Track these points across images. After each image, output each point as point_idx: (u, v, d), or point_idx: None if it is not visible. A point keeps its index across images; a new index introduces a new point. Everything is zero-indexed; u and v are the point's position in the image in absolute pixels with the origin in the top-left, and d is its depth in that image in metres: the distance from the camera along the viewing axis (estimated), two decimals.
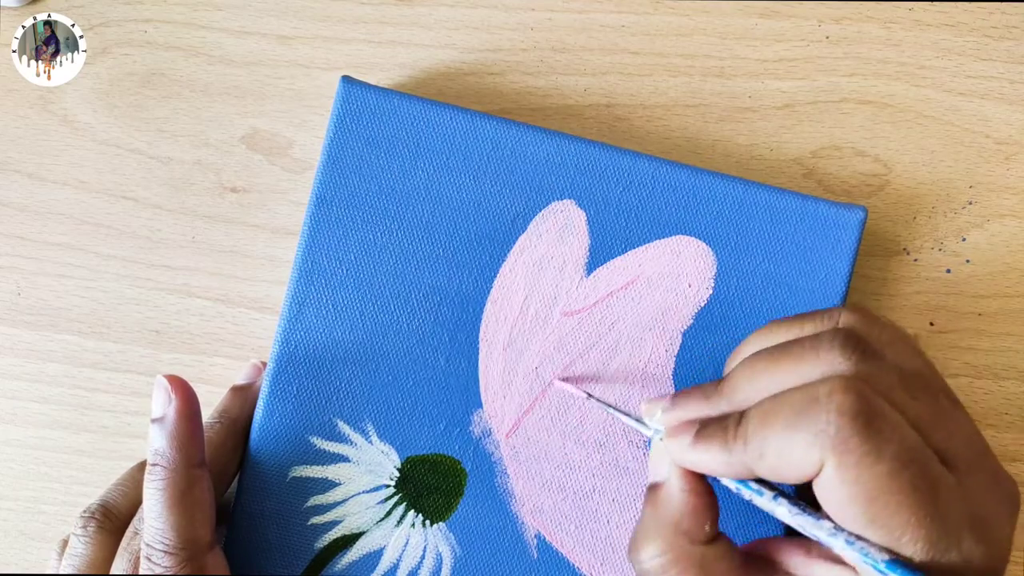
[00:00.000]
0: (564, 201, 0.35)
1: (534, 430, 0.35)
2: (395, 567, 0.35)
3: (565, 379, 0.35)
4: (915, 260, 0.38)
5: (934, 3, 0.37)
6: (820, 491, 0.25)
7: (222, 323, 0.39)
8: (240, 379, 0.37)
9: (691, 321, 0.35)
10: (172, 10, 0.39)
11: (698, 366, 0.35)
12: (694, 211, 0.35)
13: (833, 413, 0.24)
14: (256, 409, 0.35)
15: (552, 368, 0.35)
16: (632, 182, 0.35)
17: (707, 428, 0.27)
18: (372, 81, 0.38)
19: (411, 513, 0.35)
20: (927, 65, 0.38)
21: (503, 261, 0.35)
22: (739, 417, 0.27)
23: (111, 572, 0.32)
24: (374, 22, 0.38)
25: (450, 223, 0.35)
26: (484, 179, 0.35)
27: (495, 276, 0.35)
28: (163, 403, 0.32)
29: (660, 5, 0.38)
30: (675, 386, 0.35)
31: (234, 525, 0.35)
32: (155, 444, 0.32)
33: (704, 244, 0.35)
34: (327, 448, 0.35)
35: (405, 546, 0.35)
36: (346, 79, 0.35)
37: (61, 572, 0.33)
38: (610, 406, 0.32)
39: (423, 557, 0.35)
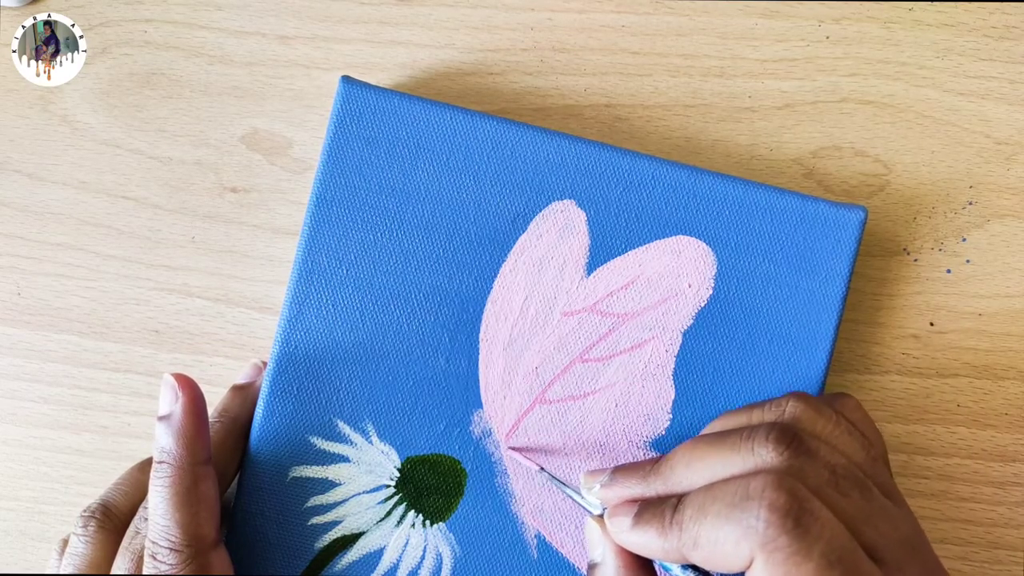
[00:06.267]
0: (564, 201, 0.35)
1: (534, 430, 0.35)
2: (395, 567, 0.35)
3: (517, 448, 0.35)
4: (915, 260, 0.38)
5: (934, 3, 0.37)
6: None
7: (222, 323, 0.39)
8: (240, 378, 0.37)
9: (691, 321, 0.35)
10: (172, 10, 0.39)
11: (698, 366, 0.35)
12: (694, 211, 0.35)
13: (764, 510, 0.25)
14: (256, 409, 0.35)
15: (552, 368, 0.35)
16: (632, 182, 0.35)
17: (646, 511, 0.28)
18: (372, 81, 0.38)
19: (411, 513, 0.35)
20: (927, 65, 0.38)
21: (503, 261, 0.35)
22: (676, 502, 0.27)
23: (112, 572, 0.32)
24: (374, 22, 0.38)
25: (450, 223, 0.35)
26: (484, 179, 0.35)
27: (495, 276, 0.35)
28: (170, 401, 0.32)
29: (660, 5, 0.38)
30: (675, 387, 0.35)
31: (234, 525, 0.35)
32: (161, 442, 0.32)
33: (704, 244, 0.35)
34: (327, 448, 0.35)
35: (405, 546, 0.35)
36: (346, 79, 0.35)
37: (61, 572, 0.33)
38: (558, 480, 0.33)
39: (423, 557, 0.35)
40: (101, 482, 0.38)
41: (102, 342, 0.39)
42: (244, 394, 0.36)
